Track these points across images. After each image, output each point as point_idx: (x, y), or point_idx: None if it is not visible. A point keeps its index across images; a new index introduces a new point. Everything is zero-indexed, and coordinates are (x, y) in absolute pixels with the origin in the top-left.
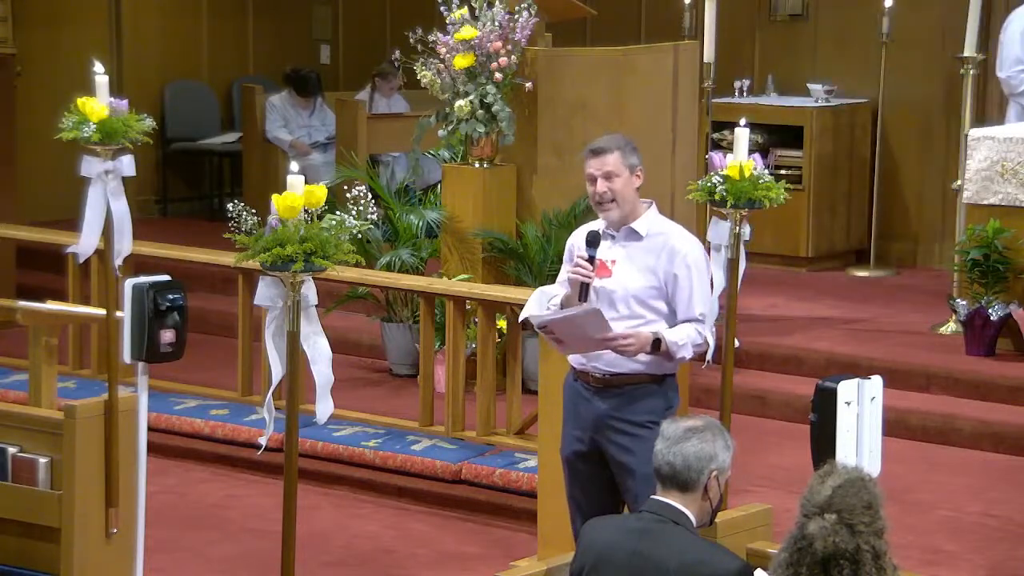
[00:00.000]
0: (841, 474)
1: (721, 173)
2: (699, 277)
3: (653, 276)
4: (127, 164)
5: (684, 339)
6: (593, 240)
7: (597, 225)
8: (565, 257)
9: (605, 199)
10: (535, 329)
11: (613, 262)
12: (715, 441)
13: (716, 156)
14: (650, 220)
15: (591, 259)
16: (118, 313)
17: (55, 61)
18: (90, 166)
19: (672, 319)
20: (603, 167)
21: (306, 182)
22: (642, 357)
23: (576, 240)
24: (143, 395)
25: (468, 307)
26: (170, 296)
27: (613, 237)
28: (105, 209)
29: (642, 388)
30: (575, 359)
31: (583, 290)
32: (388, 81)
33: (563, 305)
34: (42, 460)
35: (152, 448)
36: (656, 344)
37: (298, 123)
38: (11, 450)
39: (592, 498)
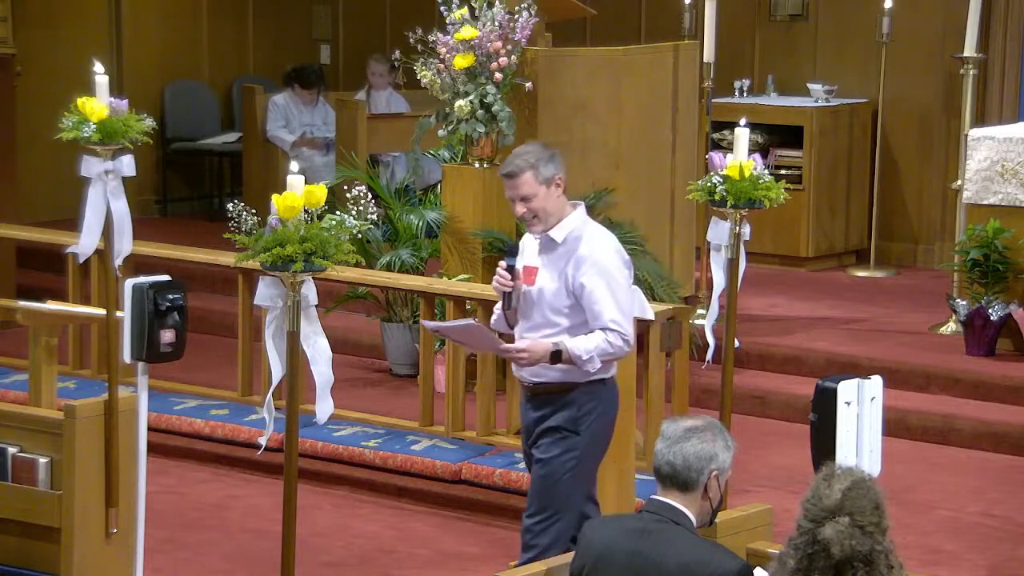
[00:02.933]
0: (847, 476)
1: (721, 173)
2: (608, 283)
3: (564, 283)
4: (127, 164)
5: (590, 350)
6: (511, 250)
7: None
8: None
9: (527, 218)
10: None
11: (536, 269)
12: (715, 441)
13: (716, 156)
14: (569, 226)
15: (510, 268)
16: (118, 313)
17: (55, 61)
18: (90, 166)
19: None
20: (517, 190)
21: (306, 183)
22: (560, 366)
23: (525, 241)
24: (143, 395)
25: (468, 307)
26: (170, 296)
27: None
28: (105, 209)
29: (564, 397)
30: (512, 368)
31: (505, 298)
32: (375, 71)
33: (503, 308)
34: (42, 460)
35: (152, 448)
36: (557, 355)
37: (300, 121)
38: (11, 450)
39: None
